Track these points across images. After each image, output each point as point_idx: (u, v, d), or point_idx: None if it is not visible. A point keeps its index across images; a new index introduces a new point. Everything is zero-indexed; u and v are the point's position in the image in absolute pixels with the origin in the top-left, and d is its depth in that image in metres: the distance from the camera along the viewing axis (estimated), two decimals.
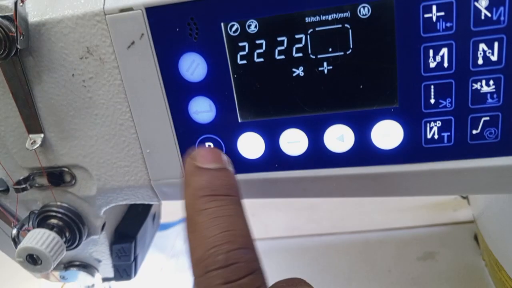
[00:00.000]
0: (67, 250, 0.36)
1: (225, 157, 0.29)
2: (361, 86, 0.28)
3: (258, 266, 0.24)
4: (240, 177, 0.31)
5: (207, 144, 0.31)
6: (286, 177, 0.31)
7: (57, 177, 0.35)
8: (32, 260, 0.33)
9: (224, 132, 0.31)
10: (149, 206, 0.45)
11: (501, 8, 0.25)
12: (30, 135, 0.33)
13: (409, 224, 0.59)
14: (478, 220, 0.50)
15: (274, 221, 0.65)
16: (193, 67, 0.29)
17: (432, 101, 0.27)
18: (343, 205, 0.65)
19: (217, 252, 0.23)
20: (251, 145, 0.31)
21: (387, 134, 0.29)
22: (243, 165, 0.31)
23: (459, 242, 0.54)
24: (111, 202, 0.36)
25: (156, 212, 0.47)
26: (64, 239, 0.35)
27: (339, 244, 0.58)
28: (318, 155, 0.30)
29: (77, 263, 0.42)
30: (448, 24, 0.26)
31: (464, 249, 0.53)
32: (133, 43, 0.29)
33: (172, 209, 0.64)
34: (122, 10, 0.29)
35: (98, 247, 0.41)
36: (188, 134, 0.31)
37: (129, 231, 0.41)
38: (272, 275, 0.26)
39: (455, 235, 0.55)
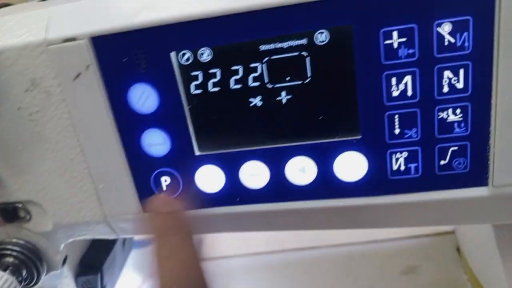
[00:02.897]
0: None
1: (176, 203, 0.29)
2: (322, 117, 0.26)
3: None
4: (200, 212, 0.30)
5: (162, 178, 0.29)
6: (248, 211, 0.29)
7: (11, 213, 0.33)
8: None
9: (180, 165, 0.29)
10: None
11: (465, 34, 0.23)
12: None
13: (392, 235, 0.57)
14: (456, 233, 0.48)
15: (255, 235, 0.64)
16: (143, 98, 0.27)
17: (397, 131, 0.26)
18: None
19: None
20: (210, 178, 0.29)
21: (351, 166, 0.27)
22: (202, 199, 0.29)
23: (442, 254, 0.53)
24: (70, 237, 0.34)
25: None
26: (20, 278, 0.33)
27: (322, 258, 0.57)
28: (280, 188, 0.28)
29: None
30: (411, 51, 0.24)
31: (447, 261, 0.52)
32: (79, 74, 0.27)
33: None
34: (65, 40, 0.27)
35: (62, 279, 0.39)
36: (142, 168, 0.29)
37: (95, 261, 0.39)
38: None
39: (437, 246, 0.54)
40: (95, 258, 0.40)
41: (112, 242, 0.42)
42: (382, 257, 0.55)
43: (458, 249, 0.53)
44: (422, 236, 0.56)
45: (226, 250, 0.63)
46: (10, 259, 0.33)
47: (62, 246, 0.35)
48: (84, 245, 0.41)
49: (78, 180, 0.30)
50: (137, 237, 0.53)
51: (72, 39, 0.26)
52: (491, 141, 0.25)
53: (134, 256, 0.62)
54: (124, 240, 0.45)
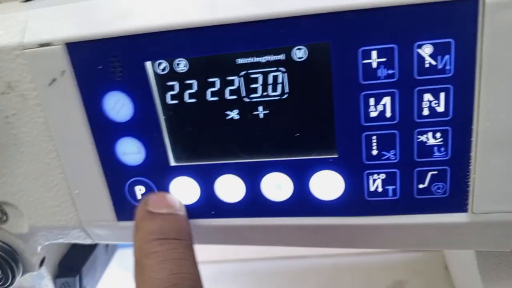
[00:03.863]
0: None
1: (177, 202, 0.28)
2: (298, 133, 0.26)
3: None
4: None
5: (137, 187, 0.29)
6: (223, 225, 0.29)
7: None
8: None
9: (155, 175, 0.28)
10: None
11: (447, 57, 0.22)
12: None
13: (380, 250, 0.56)
14: (444, 251, 0.47)
15: None
16: (118, 106, 0.27)
17: (375, 152, 0.25)
18: None
19: None
20: (185, 190, 0.28)
21: (327, 184, 0.26)
22: None
23: (430, 271, 0.52)
24: (47, 240, 0.34)
25: None
26: None
27: (308, 268, 0.56)
28: (255, 203, 0.28)
29: None
30: (390, 72, 0.23)
31: (435, 278, 0.51)
32: (54, 80, 0.27)
33: None
34: (41, 45, 0.26)
35: (41, 280, 0.39)
36: (117, 176, 0.29)
37: (75, 264, 0.39)
38: None
39: (426, 262, 0.53)
40: (75, 260, 0.40)
41: (94, 244, 0.42)
42: (369, 270, 0.54)
43: (446, 267, 0.52)
44: (411, 251, 0.55)
45: (214, 255, 0.63)
46: None
47: (39, 248, 0.35)
48: (64, 246, 0.41)
49: (54, 184, 0.30)
50: None
51: (48, 44, 0.26)
52: (472, 167, 0.24)
53: (120, 256, 0.62)
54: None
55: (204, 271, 0.63)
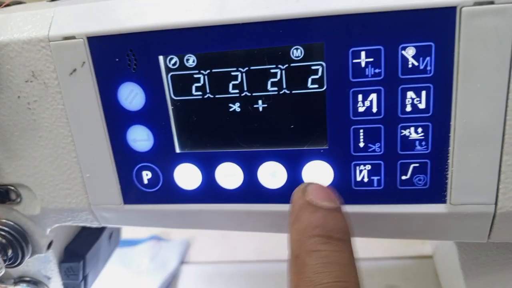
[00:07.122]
0: (9, 267, 0.36)
1: (338, 198, 0.25)
2: (293, 126, 0.28)
3: None
4: (176, 207, 0.32)
5: (144, 172, 0.31)
6: (221, 210, 0.31)
7: (3, 194, 0.35)
8: None
9: (161, 161, 0.31)
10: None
11: (428, 58, 0.25)
12: None
13: (374, 255, 0.58)
14: (434, 257, 0.49)
15: (243, 244, 0.65)
16: (131, 96, 0.30)
17: (361, 144, 0.27)
18: None
19: None
20: (188, 176, 0.31)
21: (318, 174, 0.29)
22: (179, 195, 0.31)
23: (421, 277, 0.53)
24: (56, 222, 0.36)
25: (113, 231, 0.47)
26: (5, 257, 0.35)
27: None
28: (252, 190, 0.30)
29: (28, 279, 0.42)
30: (377, 70, 0.26)
31: (425, 284, 0.53)
32: (75, 70, 0.30)
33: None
34: (65, 38, 0.29)
35: (46, 264, 0.41)
36: (126, 161, 0.31)
37: (79, 250, 0.41)
38: None
39: (418, 269, 0.55)
40: (80, 247, 0.42)
41: (98, 234, 0.44)
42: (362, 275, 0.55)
43: (437, 273, 0.54)
44: (404, 258, 0.57)
45: (213, 255, 0.64)
46: None
47: (48, 230, 0.37)
48: (70, 234, 0.43)
49: (67, 168, 0.33)
50: (125, 235, 0.55)
51: (72, 37, 0.29)
52: (450, 161, 0.27)
53: (121, 255, 0.64)
54: (111, 234, 0.47)
55: (201, 272, 0.64)
